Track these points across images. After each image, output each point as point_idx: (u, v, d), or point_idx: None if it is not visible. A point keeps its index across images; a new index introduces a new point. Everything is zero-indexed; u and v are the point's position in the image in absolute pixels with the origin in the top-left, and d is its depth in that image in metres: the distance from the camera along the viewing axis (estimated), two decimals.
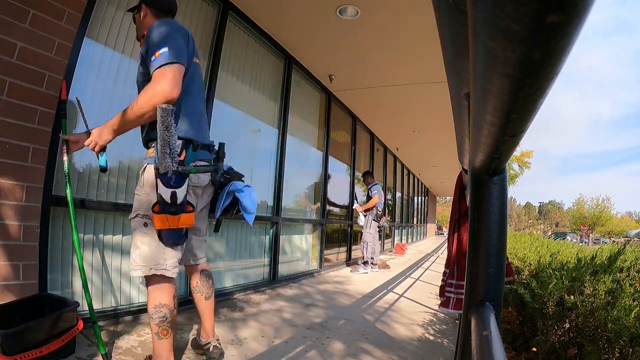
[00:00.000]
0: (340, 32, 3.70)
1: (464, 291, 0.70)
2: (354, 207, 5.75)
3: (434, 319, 2.92)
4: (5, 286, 1.66)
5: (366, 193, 5.73)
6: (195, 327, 2.26)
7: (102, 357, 1.65)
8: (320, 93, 5.25)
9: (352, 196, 6.45)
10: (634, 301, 1.35)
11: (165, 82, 1.34)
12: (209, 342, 1.78)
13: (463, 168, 1.06)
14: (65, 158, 1.71)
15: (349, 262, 6.15)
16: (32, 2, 1.76)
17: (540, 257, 2.35)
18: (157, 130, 1.29)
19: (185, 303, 2.57)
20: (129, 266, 1.76)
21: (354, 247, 6.48)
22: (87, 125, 1.67)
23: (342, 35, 3.76)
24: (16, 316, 1.57)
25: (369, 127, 7.41)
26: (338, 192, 6.08)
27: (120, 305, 2.31)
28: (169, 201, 1.39)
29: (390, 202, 9.97)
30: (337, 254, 6.00)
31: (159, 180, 1.39)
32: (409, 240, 13.19)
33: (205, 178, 1.62)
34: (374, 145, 7.90)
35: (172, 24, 1.47)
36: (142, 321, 2.28)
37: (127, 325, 2.18)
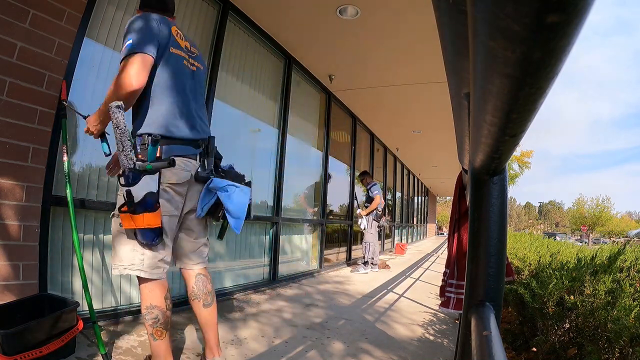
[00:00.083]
0: (340, 32, 3.70)
1: (464, 291, 0.70)
2: (357, 212, 5.74)
3: (434, 319, 2.92)
4: (5, 286, 1.66)
5: (365, 193, 5.73)
6: (196, 328, 2.26)
7: (102, 357, 1.65)
8: (320, 93, 5.25)
9: (352, 196, 6.45)
10: (634, 301, 1.35)
11: (126, 74, 1.33)
12: None
13: (463, 168, 1.06)
14: (65, 158, 1.71)
15: (349, 262, 6.14)
16: (32, 2, 1.76)
17: (540, 257, 2.35)
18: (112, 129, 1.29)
19: (183, 303, 2.57)
20: None
21: (354, 247, 6.48)
22: (82, 116, 1.65)
23: (342, 35, 3.76)
24: (16, 316, 1.57)
25: (369, 127, 7.41)
26: (338, 192, 6.08)
27: (120, 305, 2.31)
28: (127, 199, 1.34)
29: (390, 202, 9.97)
30: (337, 254, 6.00)
31: (120, 179, 1.37)
32: (409, 240, 13.19)
33: (182, 174, 1.48)
34: (374, 145, 7.90)
35: (145, 17, 1.44)
36: (142, 321, 2.27)
37: (127, 325, 2.18)
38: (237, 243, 3.49)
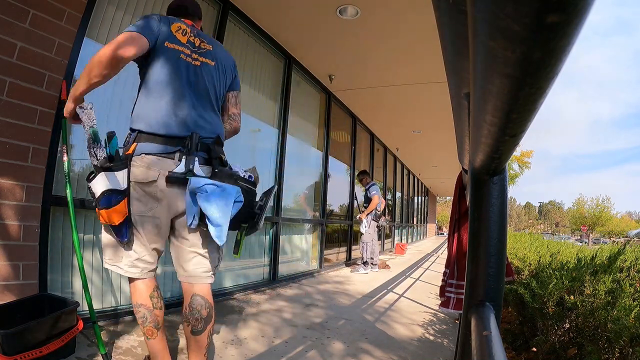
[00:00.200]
0: (340, 32, 3.70)
1: (464, 291, 0.70)
2: (357, 217, 5.74)
3: (434, 319, 2.92)
4: (5, 286, 1.66)
5: (364, 193, 5.72)
6: None
7: (102, 357, 1.65)
8: (320, 93, 5.25)
9: (352, 196, 6.45)
10: (634, 301, 1.35)
11: (109, 45, 1.31)
12: None
13: (463, 168, 1.06)
14: (65, 158, 1.71)
15: (349, 262, 6.14)
16: (32, 2, 1.76)
17: (540, 257, 2.35)
18: None
19: (182, 304, 2.56)
20: None
21: (354, 247, 6.48)
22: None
23: (342, 35, 3.76)
24: (16, 316, 1.57)
25: (369, 127, 7.41)
26: (338, 192, 6.08)
27: (120, 305, 2.31)
28: (90, 195, 1.38)
29: (390, 202, 9.96)
30: (337, 254, 6.00)
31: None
32: (409, 240, 13.20)
33: (149, 173, 1.35)
34: (374, 145, 7.90)
35: (147, 15, 1.48)
36: None
37: (127, 325, 2.18)
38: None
